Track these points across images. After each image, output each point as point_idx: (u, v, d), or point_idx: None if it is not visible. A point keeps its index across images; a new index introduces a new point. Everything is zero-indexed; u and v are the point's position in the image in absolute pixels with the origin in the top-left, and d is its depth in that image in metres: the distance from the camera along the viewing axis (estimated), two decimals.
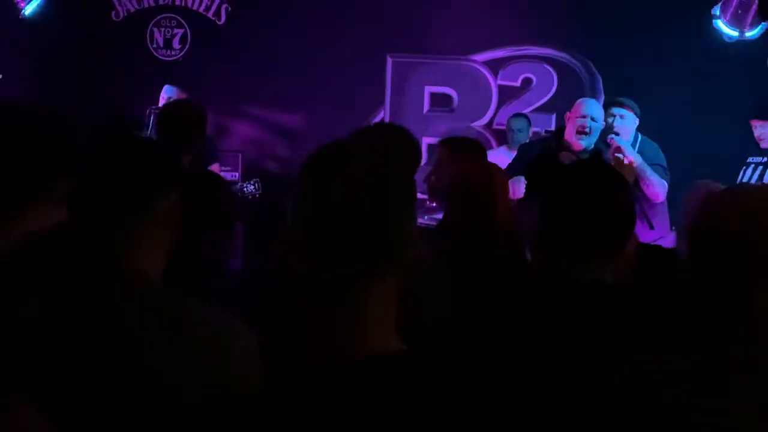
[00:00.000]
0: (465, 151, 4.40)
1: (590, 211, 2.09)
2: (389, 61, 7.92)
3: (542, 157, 4.83)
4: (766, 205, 1.69)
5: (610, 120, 5.35)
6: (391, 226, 1.35)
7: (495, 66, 7.80)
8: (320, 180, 1.36)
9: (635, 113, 5.38)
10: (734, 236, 1.64)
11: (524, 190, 2.50)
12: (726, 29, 6.22)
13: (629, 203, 2.18)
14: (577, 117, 5.21)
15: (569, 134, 5.22)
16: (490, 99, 7.80)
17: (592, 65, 7.53)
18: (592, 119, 5.18)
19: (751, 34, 6.14)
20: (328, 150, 1.40)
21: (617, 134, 5.28)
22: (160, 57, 8.23)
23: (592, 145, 5.20)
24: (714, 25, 6.32)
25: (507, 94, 7.79)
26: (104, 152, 1.84)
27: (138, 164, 1.80)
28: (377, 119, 7.93)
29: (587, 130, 5.17)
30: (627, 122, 5.36)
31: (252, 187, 5.99)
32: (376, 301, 1.36)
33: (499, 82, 7.81)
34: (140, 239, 1.78)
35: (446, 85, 7.88)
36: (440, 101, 7.88)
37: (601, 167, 2.26)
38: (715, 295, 1.68)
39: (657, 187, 5.23)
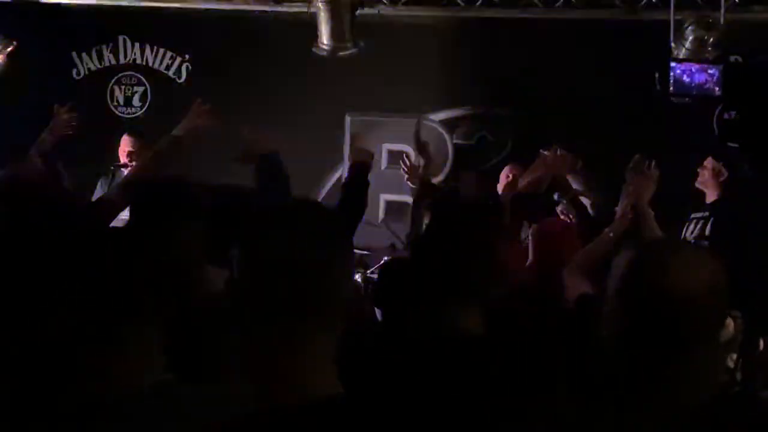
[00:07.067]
0: None
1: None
2: (347, 119, 8.02)
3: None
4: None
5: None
6: (337, 280, 1.44)
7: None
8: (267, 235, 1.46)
9: None
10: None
11: None
12: None
13: (483, 250, 2.23)
14: None
15: None
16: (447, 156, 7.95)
17: None
18: None
19: None
20: (274, 208, 1.50)
21: None
22: (120, 114, 8.29)
23: None
24: None
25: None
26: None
27: None
28: (336, 176, 8.02)
29: None
30: None
31: None
32: (319, 346, 1.43)
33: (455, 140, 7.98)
34: None
35: (404, 143, 7.99)
36: (398, 158, 7.98)
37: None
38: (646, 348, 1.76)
39: None
